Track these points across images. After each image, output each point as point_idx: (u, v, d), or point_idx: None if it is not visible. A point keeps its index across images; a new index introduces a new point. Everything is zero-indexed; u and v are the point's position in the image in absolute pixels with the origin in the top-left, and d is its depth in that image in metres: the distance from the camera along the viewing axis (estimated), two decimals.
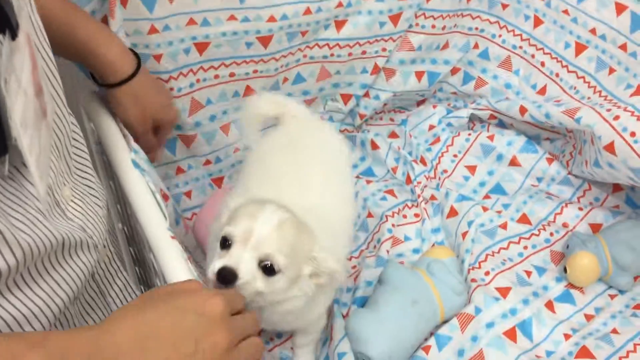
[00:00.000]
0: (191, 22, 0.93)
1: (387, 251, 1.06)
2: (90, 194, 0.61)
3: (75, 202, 0.58)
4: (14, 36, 0.42)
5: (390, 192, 1.18)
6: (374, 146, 1.24)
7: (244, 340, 0.50)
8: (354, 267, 1.05)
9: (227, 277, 0.62)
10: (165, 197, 0.75)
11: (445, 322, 0.94)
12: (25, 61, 0.44)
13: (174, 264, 0.60)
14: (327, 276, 0.70)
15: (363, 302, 0.96)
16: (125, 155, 0.72)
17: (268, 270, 0.64)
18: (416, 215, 1.13)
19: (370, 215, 1.14)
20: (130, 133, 0.78)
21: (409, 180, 1.19)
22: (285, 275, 0.66)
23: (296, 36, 1.03)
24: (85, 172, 0.63)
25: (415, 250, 1.07)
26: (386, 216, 1.12)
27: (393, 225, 1.10)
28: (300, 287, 0.69)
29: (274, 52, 1.02)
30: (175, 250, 0.61)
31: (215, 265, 0.62)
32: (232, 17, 0.96)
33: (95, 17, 0.80)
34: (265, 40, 1.00)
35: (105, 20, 0.81)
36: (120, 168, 0.72)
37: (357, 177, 1.23)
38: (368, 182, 1.21)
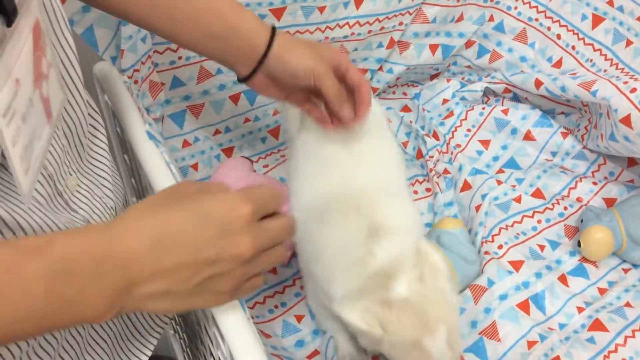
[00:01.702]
0: (217, 132, 0.94)
1: None
2: (102, 185, 0.60)
3: (81, 193, 0.56)
4: (9, 23, 0.40)
5: None
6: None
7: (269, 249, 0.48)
8: None
9: None
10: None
11: (459, 292, 0.94)
12: (23, 49, 0.43)
13: None
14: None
15: None
16: (140, 126, 0.72)
17: None
18: (427, 190, 1.13)
19: None
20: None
21: (419, 155, 1.19)
22: None
23: (313, 12, 1.01)
24: (101, 162, 0.61)
25: (428, 225, 1.07)
26: None
27: None
28: None
29: (289, 26, 1.01)
30: None
31: None
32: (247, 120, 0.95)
33: None
34: (278, 13, 0.99)
35: None
36: (135, 140, 0.71)
37: None
38: None
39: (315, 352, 0.90)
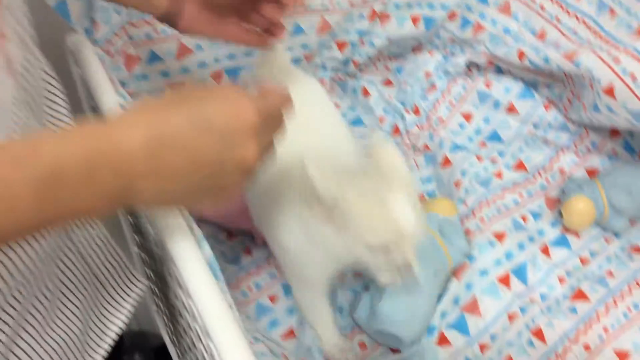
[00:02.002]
0: None
1: None
2: None
3: None
4: None
5: None
6: (365, 93, 1.22)
7: None
8: None
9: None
10: None
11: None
12: None
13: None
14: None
15: None
16: (113, 99, 0.70)
17: None
18: None
19: None
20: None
21: (396, 132, 1.18)
22: None
23: None
24: (59, 127, 0.59)
25: None
26: None
27: None
28: None
29: None
30: None
31: (391, 274, 0.67)
32: None
33: None
34: None
35: None
36: (108, 112, 0.70)
37: None
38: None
39: (290, 332, 0.90)
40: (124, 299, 0.66)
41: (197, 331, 0.58)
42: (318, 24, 1.09)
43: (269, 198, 0.76)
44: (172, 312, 0.84)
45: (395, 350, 0.88)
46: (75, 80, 0.83)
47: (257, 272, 0.96)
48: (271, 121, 0.46)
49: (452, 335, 0.88)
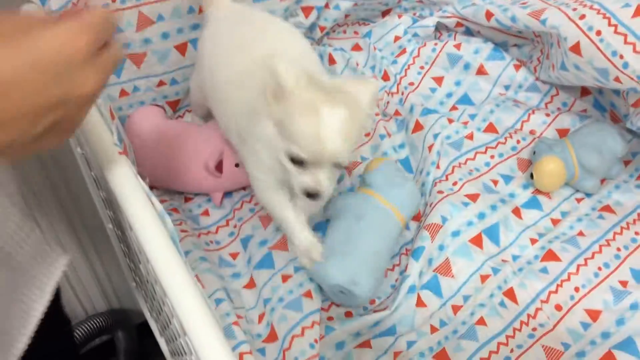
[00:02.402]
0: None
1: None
2: None
3: None
4: None
5: None
6: (331, 61, 1.19)
7: None
8: None
9: (313, 195, 0.70)
10: (112, 116, 0.71)
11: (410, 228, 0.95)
12: None
13: (122, 182, 0.57)
14: None
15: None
16: None
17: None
18: (367, 134, 1.11)
19: None
20: None
21: None
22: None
23: None
24: None
25: None
26: None
27: None
28: None
29: None
30: (123, 167, 0.58)
31: (302, 186, 0.69)
32: None
33: None
34: None
35: None
36: None
37: None
38: None
39: (251, 283, 0.91)
40: (46, 277, 0.64)
41: (169, 306, 0.57)
42: None
43: (231, 98, 0.82)
44: (149, 288, 0.83)
45: (349, 314, 0.88)
46: None
47: (215, 232, 0.98)
48: (102, 37, 0.43)
49: (426, 296, 0.88)
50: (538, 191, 1.02)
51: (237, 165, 0.95)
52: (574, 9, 0.94)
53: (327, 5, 1.17)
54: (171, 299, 0.49)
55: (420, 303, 0.88)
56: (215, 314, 0.49)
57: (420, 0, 1.23)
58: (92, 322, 1.46)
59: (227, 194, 1.02)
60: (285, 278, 0.89)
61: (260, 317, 0.87)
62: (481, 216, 0.95)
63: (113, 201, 0.69)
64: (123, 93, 1.04)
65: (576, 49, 0.92)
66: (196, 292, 0.49)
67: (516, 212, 0.98)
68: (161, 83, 1.06)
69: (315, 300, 0.87)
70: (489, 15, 1.08)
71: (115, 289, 1.51)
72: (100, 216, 1.08)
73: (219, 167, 0.94)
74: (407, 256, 0.93)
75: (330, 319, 0.88)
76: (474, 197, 0.97)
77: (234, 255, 0.95)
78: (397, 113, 1.14)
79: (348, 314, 0.89)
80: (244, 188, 1.02)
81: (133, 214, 0.55)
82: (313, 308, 0.86)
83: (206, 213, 1.01)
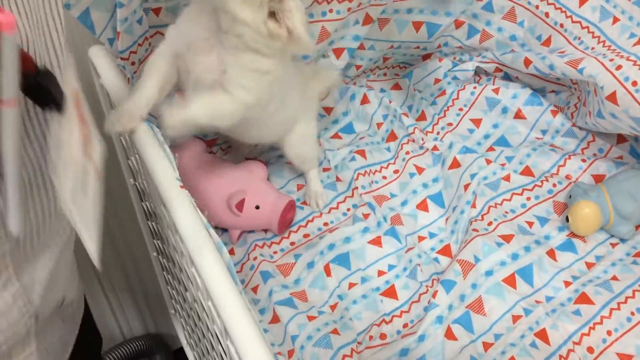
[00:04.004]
0: None
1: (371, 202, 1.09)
2: None
3: None
4: (60, 108, 0.41)
5: (360, 152, 1.18)
6: (364, 100, 1.25)
7: None
8: (326, 223, 1.06)
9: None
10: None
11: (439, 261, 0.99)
12: (72, 129, 0.43)
13: (185, 214, 0.62)
14: (286, 31, 0.71)
15: (342, 260, 0.99)
16: None
17: None
18: (395, 171, 1.15)
19: (338, 179, 1.14)
20: None
21: (390, 138, 1.21)
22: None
23: None
24: None
25: (404, 203, 1.10)
26: (358, 174, 1.13)
27: (370, 190, 1.12)
28: (253, 15, 0.71)
29: None
30: (185, 200, 0.63)
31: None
32: None
33: None
34: None
35: None
36: None
37: (336, 134, 1.24)
38: (339, 148, 1.20)
39: (275, 318, 0.94)
40: None
41: (215, 333, 0.61)
42: (318, 34, 1.12)
43: None
44: (191, 315, 0.87)
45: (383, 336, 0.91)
46: (96, 89, 0.87)
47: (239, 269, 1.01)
48: None
49: (457, 330, 0.91)
50: (573, 234, 1.04)
51: (257, 207, 0.99)
52: (611, 60, 0.97)
53: (362, 46, 1.22)
54: (229, 327, 0.53)
55: (450, 336, 0.91)
56: (269, 344, 0.53)
57: (460, 46, 1.27)
58: (130, 345, 1.51)
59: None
60: (310, 318, 0.92)
61: (290, 353, 0.90)
62: (514, 257, 0.98)
63: (168, 231, 0.74)
64: None
65: (612, 98, 0.96)
66: (251, 321, 0.53)
67: (551, 254, 1.00)
68: None
69: (343, 336, 0.90)
70: (527, 62, 1.12)
71: (153, 314, 1.56)
72: (145, 244, 1.13)
73: (240, 206, 0.98)
74: (437, 283, 0.96)
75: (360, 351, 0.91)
76: (508, 238, 1.00)
77: (254, 290, 0.98)
78: (435, 148, 1.17)
79: (382, 336, 0.92)
80: (264, 231, 1.06)
81: (193, 246, 0.60)
82: (342, 343, 0.89)
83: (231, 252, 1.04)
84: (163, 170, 0.67)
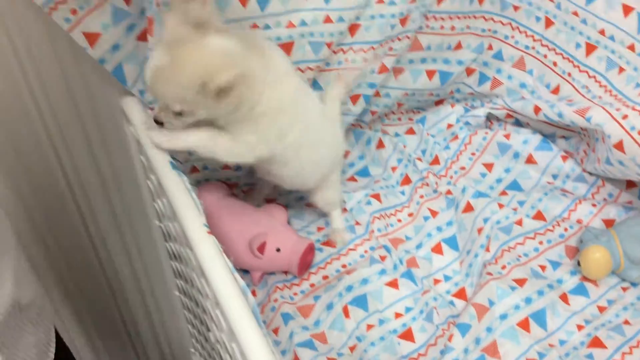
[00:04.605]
0: None
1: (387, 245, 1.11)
2: None
3: None
4: None
5: (376, 196, 1.21)
6: (380, 145, 1.29)
7: None
8: (344, 265, 1.09)
9: (157, 122, 0.78)
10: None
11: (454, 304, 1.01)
12: None
13: (212, 258, 0.65)
14: (229, 92, 0.74)
15: (360, 301, 1.02)
16: (165, 156, 0.79)
17: (178, 114, 0.76)
18: (410, 215, 1.19)
19: (357, 223, 1.17)
20: None
21: (405, 182, 1.24)
22: (190, 114, 0.76)
23: (322, 48, 1.07)
24: None
25: (419, 246, 1.13)
26: (374, 217, 1.16)
27: (386, 233, 1.15)
28: (218, 110, 0.77)
29: (299, 62, 1.07)
30: (212, 246, 0.67)
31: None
32: (254, 26, 1.01)
33: (133, 32, 0.86)
34: (287, 48, 1.05)
35: (143, 36, 0.87)
36: (159, 168, 0.78)
37: (352, 177, 1.28)
38: (354, 191, 1.23)
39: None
40: None
41: None
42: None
43: None
44: (212, 355, 0.90)
45: None
46: (128, 138, 0.91)
47: (260, 311, 1.03)
48: None
49: None
50: (585, 278, 1.06)
51: (278, 249, 1.02)
52: (618, 109, 1.01)
53: (377, 94, 1.26)
54: None
55: None
56: None
57: (471, 92, 1.32)
58: None
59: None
60: None
61: None
62: (528, 301, 1.00)
63: (193, 273, 0.77)
64: (194, 170, 1.15)
65: (619, 146, 0.99)
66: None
67: (564, 297, 1.02)
68: (226, 167, 1.17)
69: None
70: (537, 109, 1.16)
71: (173, 352, 1.58)
72: (167, 283, 1.17)
73: (261, 248, 1.01)
74: (453, 327, 0.98)
75: None
76: (521, 282, 1.02)
77: (275, 331, 1.00)
78: (448, 192, 1.21)
79: None
80: (285, 272, 1.08)
81: (219, 289, 0.63)
82: None
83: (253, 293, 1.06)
84: (191, 216, 0.71)
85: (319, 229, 1.16)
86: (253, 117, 0.82)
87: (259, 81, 0.80)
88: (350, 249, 1.11)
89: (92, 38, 0.81)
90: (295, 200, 1.21)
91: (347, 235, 1.13)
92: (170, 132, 0.80)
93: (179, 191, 0.74)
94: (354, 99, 1.24)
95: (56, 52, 0.87)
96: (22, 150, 1.00)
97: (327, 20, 1.04)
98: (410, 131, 1.34)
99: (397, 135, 1.33)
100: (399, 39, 1.15)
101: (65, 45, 0.85)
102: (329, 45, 1.07)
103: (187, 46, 0.72)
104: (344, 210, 1.18)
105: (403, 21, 1.11)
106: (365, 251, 1.11)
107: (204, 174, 1.15)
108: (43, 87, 0.90)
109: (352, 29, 1.10)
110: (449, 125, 1.31)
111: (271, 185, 1.17)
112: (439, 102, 1.37)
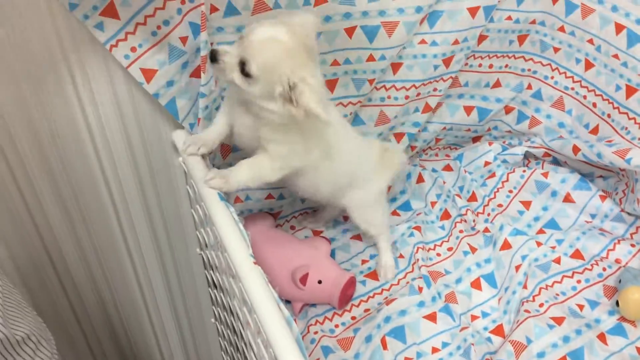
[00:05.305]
0: None
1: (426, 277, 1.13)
2: None
3: None
4: None
5: (418, 228, 1.23)
6: (419, 180, 1.31)
7: None
8: (386, 298, 1.10)
9: (213, 55, 0.81)
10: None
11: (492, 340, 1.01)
12: None
13: (258, 289, 0.68)
14: (302, 110, 0.78)
15: (398, 333, 1.02)
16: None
17: (244, 72, 0.79)
18: (449, 249, 1.19)
19: (401, 256, 1.18)
20: None
21: (444, 217, 1.26)
22: (258, 83, 0.80)
23: (364, 84, 1.11)
24: None
25: (458, 280, 1.14)
26: (417, 248, 1.17)
27: (424, 265, 1.16)
28: (274, 104, 0.81)
29: (341, 97, 1.11)
30: (259, 277, 0.69)
31: (211, 48, 0.82)
32: None
33: (187, 69, 0.91)
34: (331, 84, 1.09)
35: (196, 73, 0.91)
36: (208, 200, 0.81)
37: (394, 212, 1.30)
38: (398, 224, 1.25)
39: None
40: None
41: None
42: (377, 117, 1.20)
43: None
44: None
45: None
46: (176, 169, 0.95)
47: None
48: None
49: None
50: (623, 319, 1.05)
51: (319, 282, 1.04)
52: None
53: (418, 130, 1.29)
54: None
55: None
56: None
57: (509, 130, 1.33)
58: None
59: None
60: None
61: None
62: (566, 339, 0.99)
63: (234, 302, 0.80)
64: (237, 200, 1.18)
65: None
66: None
67: (601, 337, 1.02)
68: (269, 197, 1.20)
69: None
70: (575, 149, 1.17)
71: None
72: (203, 311, 1.19)
73: (304, 280, 1.03)
74: None
75: None
76: (559, 320, 1.02)
77: None
78: (486, 230, 1.22)
79: None
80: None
81: (265, 319, 0.65)
82: None
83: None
84: (238, 247, 0.74)
85: (363, 261, 1.18)
86: (287, 129, 0.86)
87: None
88: (393, 284, 1.13)
89: (148, 74, 0.86)
90: (341, 233, 1.24)
91: (392, 273, 1.14)
92: (223, 176, 0.85)
93: (226, 222, 0.77)
94: (398, 136, 1.27)
95: (112, 85, 0.92)
96: (73, 176, 1.04)
97: (370, 58, 1.07)
98: (448, 167, 1.36)
99: (434, 170, 1.35)
100: (443, 80, 1.19)
101: (121, 79, 0.89)
102: (370, 82, 1.10)
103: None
104: None
105: (447, 62, 1.14)
106: (407, 282, 1.12)
107: (246, 204, 1.18)
108: (99, 120, 0.94)
109: (395, 67, 1.13)
110: (487, 163, 1.32)
111: (336, 211, 1.20)
112: (476, 139, 1.39)
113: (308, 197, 1.15)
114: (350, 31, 1.03)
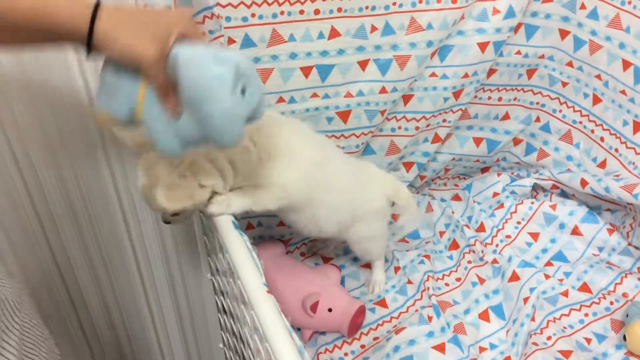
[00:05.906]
0: (280, 100, 1.05)
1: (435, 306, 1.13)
2: None
3: None
4: None
5: (427, 257, 1.24)
6: (428, 209, 1.33)
7: None
8: (395, 326, 1.10)
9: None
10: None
11: None
12: None
13: (271, 317, 0.69)
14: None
15: None
16: (228, 216, 0.84)
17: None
18: (457, 279, 1.20)
19: (409, 282, 1.19)
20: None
21: (453, 247, 1.27)
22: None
23: (376, 115, 1.13)
24: None
25: (467, 311, 1.14)
26: (428, 276, 1.18)
27: (434, 294, 1.16)
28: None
29: (354, 129, 1.13)
30: (272, 305, 0.70)
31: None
32: (314, 95, 1.08)
33: None
34: (344, 115, 1.11)
35: None
36: (222, 227, 0.82)
37: (403, 239, 1.31)
38: (407, 250, 1.26)
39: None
40: None
41: None
42: (388, 147, 1.22)
43: None
44: None
45: None
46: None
47: None
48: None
49: None
50: (630, 353, 1.05)
51: (330, 310, 1.05)
52: None
53: (427, 160, 1.31)
54: None
55: None
56: None
57: (518, 162, 1.35)
58: None
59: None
60: None
61: None
62: None
63: (245, 328, 0.80)
64: (249, 226, 1.20)
65: None
66: None
67: None
68: (280, 224, 1.21)
69: None
70: (583, 183, 1.18)
71: None
72: (211, 335, 1.20)
73: (314, 307, 1.04)
74: None
75: None
76: (567, 354, 1.02)
77: None
78: (494, 261, 1.22)
79: None
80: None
81: (277, 347, 0.66)
82: None
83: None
84: (251, 275, 0.75)
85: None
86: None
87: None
88: (402, 312, 1.13)
89: None
90: (350, 261, 1.25)
91: (379, 289, 1.16)
92: (222, 202, 0.86)
93: (240, 250, 0.78)
94: (408, 166, 1.29)
95: None
96: (86, 190, 1.06)
97: (382, 90, 1.10)
98: (456, 197, 1.37)
99: (442, 200, 1.36)
100: (453, 112, 1.21)
101: None
102: (382, 113, 1.13)
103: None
104: (397, 268, 1.21)
105: (456, 95, 1.17)
106: (417, 310, 1.13)
107: (258, 230, 1.20)
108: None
109: (406, 98, 1.16)
110: (495, 194, 1.34)
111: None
112: (485, 170, 1.40)
113: (315, 235, 1.14)
114: (363, 64, 1.06)
